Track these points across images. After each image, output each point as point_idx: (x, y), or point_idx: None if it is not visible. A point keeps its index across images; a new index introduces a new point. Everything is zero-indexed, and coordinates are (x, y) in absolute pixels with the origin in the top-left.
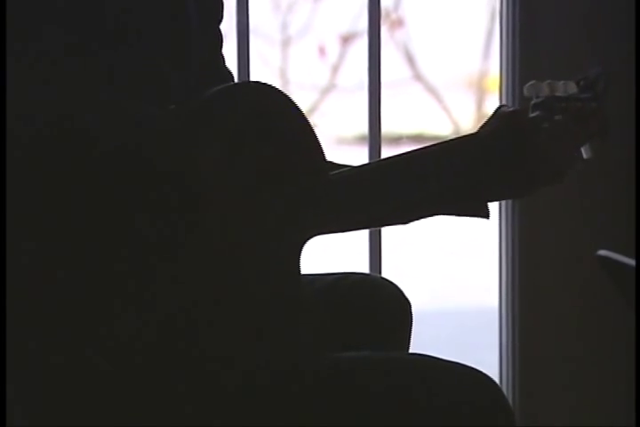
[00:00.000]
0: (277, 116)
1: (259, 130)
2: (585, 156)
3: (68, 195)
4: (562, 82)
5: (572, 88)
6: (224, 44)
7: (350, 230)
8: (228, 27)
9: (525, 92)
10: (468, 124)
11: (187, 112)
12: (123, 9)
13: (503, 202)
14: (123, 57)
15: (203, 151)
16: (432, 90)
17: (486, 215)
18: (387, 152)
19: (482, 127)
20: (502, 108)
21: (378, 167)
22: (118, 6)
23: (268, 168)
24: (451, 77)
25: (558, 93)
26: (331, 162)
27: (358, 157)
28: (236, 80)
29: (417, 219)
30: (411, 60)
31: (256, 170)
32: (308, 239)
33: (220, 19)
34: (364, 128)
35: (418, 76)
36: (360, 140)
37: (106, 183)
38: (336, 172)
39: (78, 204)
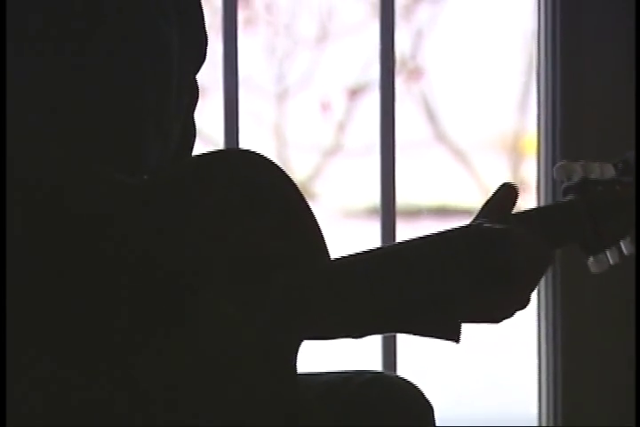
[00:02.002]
0: (264, 191)
1: (241, 207)
2: (626, 251)
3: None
4: (597, 163)
5: (609, 171)
6: (199, 100)
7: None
8: (214, 77)
9: (556, 174)
10: None
11: (161, 185)
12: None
13: (543, 292)
14: (93, 119)
15: (179, 230)
16: (458, 152)
17: (456, 338)
18: (402, 227)
19: (473, 220)
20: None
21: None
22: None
23: (252, 253)
24: (480, 138)
25: (593, 176)
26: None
27: (369, 233)
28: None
29: (373, 333)
30: (432, 116)
31: (239, 256)
32: (303, 338)
33: (202, 62)
34: (375, 198)
35: (440, 136)
36: (371, 212)
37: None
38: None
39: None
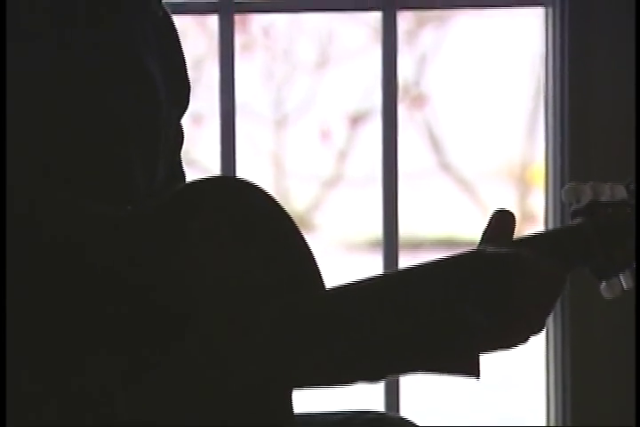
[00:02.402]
0: (256, 219)
1: (231, 236)
2: (625, 285)
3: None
4: (608, 184)
5: (621, 192)
6: (185, 139)
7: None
8: (210, 103)
9: (564, 196)
10: None
11: (148, 214)
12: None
13: (552, 328)
14: (79, 151)
15: (166, 259)
16: (463, 182)
17: (475, 374)
18: (406, 260)
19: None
20: (486, 249)
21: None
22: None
23: (242, 283)
24: (486, 167)
25: (604, 198)
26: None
27: (371, 266)
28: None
29: (390, 373)
30: (436, 145)
31: (228, 286)
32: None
33: (184, 110)
34: (377, 230)
35: (445, 165)
36: (373, 245)
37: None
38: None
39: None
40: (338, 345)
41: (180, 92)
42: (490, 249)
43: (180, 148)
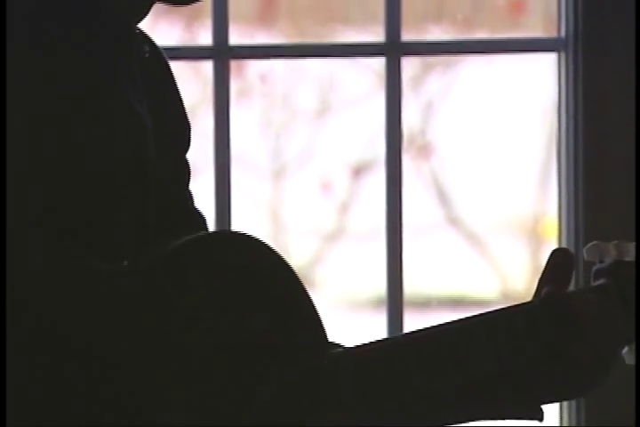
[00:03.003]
0: (259, 276)
1: (232, 294)
2: (627, 360)
3: None
4: (633, 243)
5: None
6: (191, 178)
7: None
8: (204, 153)
9: (586, 255)
10: (521, 280)
11: (144, 270)
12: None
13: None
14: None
15: (165, 319)
16: (472, 236)
17: (539, 416)
18: (411, 320)
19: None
20: (547, 289)
21: (387, 346)
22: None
23: (244, 343)
24: (496, 220)
25: (628, 258)
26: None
27: (374, 326)
28: (208, 225)
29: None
30: (443, 197)
31: (232, 346)
32: None
33: (186, 147)
34: (381, 287)
35: (453, 219)
36: (377, 303)
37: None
38: (338, 350)
39: None
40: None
41: (178, 132)
42: (558, 291)
43: (188, 180)
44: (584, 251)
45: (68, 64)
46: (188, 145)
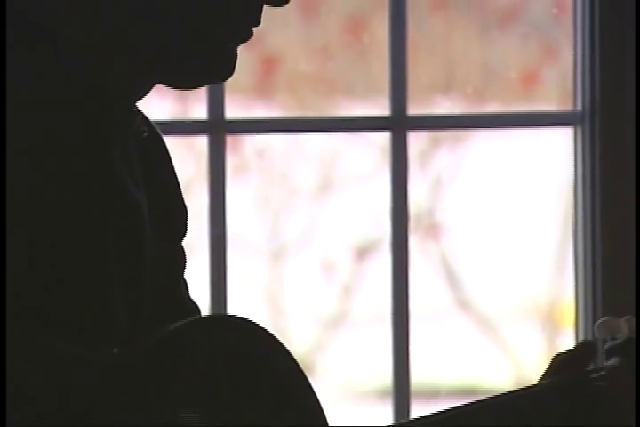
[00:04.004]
0: (255, 362)
1: (228, 383)
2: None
3: None
4: None
5: None
6: (186, 264)
7: None
8: (199, 232)
9: (597, 332)
10: (536, 369)
11: (136, 358)
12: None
13: None
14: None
15: (158, 411)
16: (484, 322)
17: None
18: (418, 412)
19: (541, 379)
20: (560, 355)
21: None
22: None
23: None
24: (509, 305)
25: None
26: None
27: (379, 417)
28: (202, 312)
29: None
30: (453, 280)
31: None
32: None
33: (182, 234)
34: (387, 377)
35: (463, 303)
36: (382, 393)
37: None
38: None
39: None
40: None
41: (174, 218)
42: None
43: (183, 268)
44: (595, 327)
45: (65, 145)
46: (185, 231)
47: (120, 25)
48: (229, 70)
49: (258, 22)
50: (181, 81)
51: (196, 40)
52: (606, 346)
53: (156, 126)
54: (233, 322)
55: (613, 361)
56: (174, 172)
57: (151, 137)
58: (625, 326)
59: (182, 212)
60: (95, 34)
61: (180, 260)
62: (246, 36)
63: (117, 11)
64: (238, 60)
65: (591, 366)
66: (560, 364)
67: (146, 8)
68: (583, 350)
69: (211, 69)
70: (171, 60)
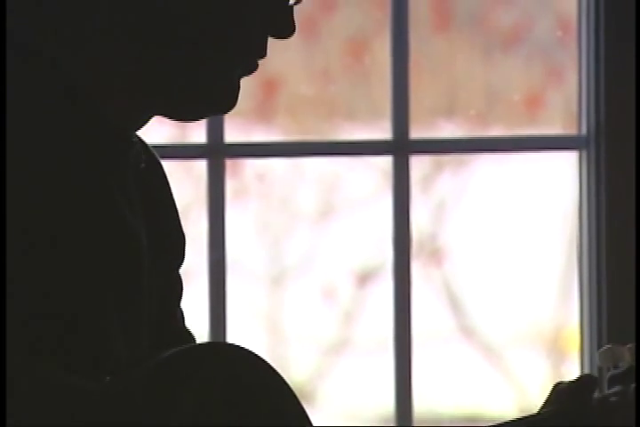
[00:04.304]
0: (250, 392)
1: (223, 410)
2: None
3: None
4: None
5: None
6: (183, 293)
7: None
8: (198, 257)
9: (599, 359)
10: (541, 397)
11: (131, 385)
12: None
13: None
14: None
15: None
16: (487, 348)
17: None
18: None
19: (542, 407)
20: (562, 385)
21: None
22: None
23: None
24: (513, 331)
25: None
26: None
27: None
28: (198, 340)
29: None
30: (456, 306)
31: None
32: None
33: (180, 262)
34: (389, 404)
35: (467, 330)
36: (384, 421)
37: None
38: None
39: None
40: None
41: (172, 246)
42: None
43: (180, 296)
44: (597, 355)
45: (64, 174)
46: (182, 259)
47: (122, 55)
48: (232, 102)
49: (263, 54)
50: (182, 112)
51: (199, 70)
52: (608, 374)
53: (155, 153)
54: (228, 350)
55: (615, 389)
56: (173, 199)
57: (150, 164)
58: (627, 355)
59: (180, 239)
60: (97, 62)
61: (177, 288)
62: (251, 67)
63: (121, 40)
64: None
65: (594, 395)
66: (560, 394)
67: (149, 38)
68: (584, 383)
69: (213, 101)
70: (172, 91)
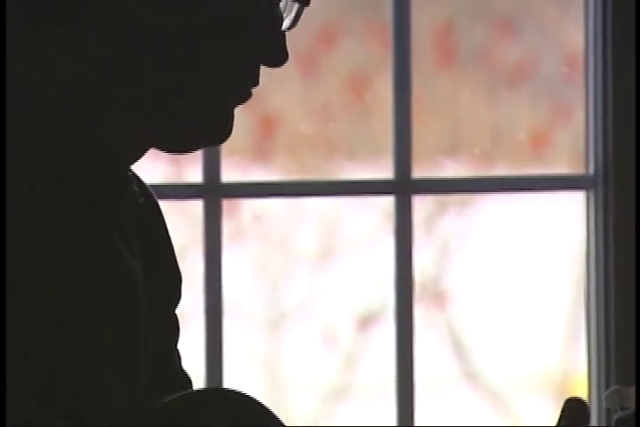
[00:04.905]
0: None
1: None
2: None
3: None
4: None
5: None
6: (180, 333)
7: None
8: (193, 300)
9: (606, 401)
10: None
11: None
12: None
13: None
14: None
15: None
16: (493, 394)
17: None
18: None
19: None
20: (570, 402)
21: None
22: None
23: None
24: (519, 377)
25: None
26: None
27: None
28: (194, 384)
29: None
30: (460, 350)
31: None
32: None
33: (176, 302)
34: None
35: (471, 375)
36: None
37: None
38: None
39: None
40: None
41: (168, 285)
42: None
43: (177, 336)
44: (603, 397)
45: (60, 208)
46: (179, 299)
47: (119, 83)
48: (226, 133)
49: (256, 83)
50: (176, 143)
51: (195, 99)
52: (615, 417)
53: (151, 190)
54: (230, 396)
55: None
56: (169, 237)
57: (146, 201)
58: (634, 396)
59: (177, 279)
60: (94, 93)
61: (173, 329)
62: (244, 96)
63: (118, 68)
64: (235, 120)
65: None
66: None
67: (144, 67)
68: (572, 410)
69: (207, 131)
70: (169, 120)
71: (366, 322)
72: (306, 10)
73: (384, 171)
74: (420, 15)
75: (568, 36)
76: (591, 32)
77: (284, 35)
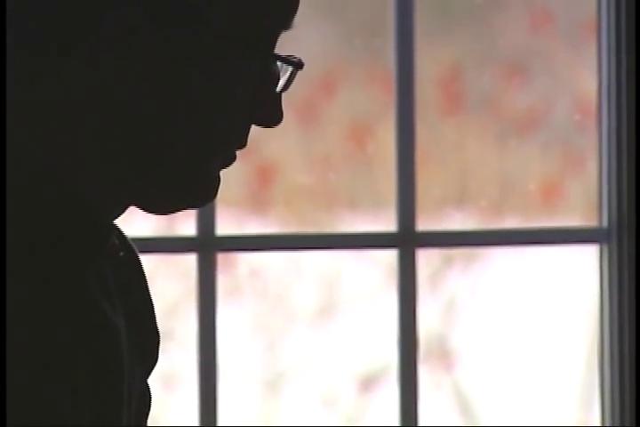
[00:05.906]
0: None
1: None
2: None
3: None
4: None
5: None
6: (152, 404)
7: None
8: (186, 359)
9: None
10: None
11: None
12: None
13: None
14: None
15: None
16: None
17: None
18: None
19: None
20: None
21: None
22: None
23: None
24: None
25: None
26: None
27: None
28: None
29: None
30: (467, 414)
31: None
32: None
33: (153, 364)
34: None
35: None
36: None
37: None
38: None
39: None
40: None
41: (146, 345)
42: None
43: (146, 413)
44: None
45: (40, 262)
46: (156, 361)
47: (104, 140)
48: (211, 195)
49: (244, 144)
50: (157, 204)
51: (181, 158)
52: None
53: (132, 243)
54: None
55: None
56: (149, 293)
57: (127, 255)
58: None
59: (154, 340)
60: (77, 148)
61: (147, 396)
62: (230, 158)
63: (104, 125)
64: (231, 170)
65: None
66: None
67: (129, 126)
68: None
69: (191, 192)
70: (153, 180)
71: (368, 383)
72: (305, 56)
73: (387, 223)
74: (425, 59)
75: (580, 82)
76: (605, 77)
77: (280, 95)
